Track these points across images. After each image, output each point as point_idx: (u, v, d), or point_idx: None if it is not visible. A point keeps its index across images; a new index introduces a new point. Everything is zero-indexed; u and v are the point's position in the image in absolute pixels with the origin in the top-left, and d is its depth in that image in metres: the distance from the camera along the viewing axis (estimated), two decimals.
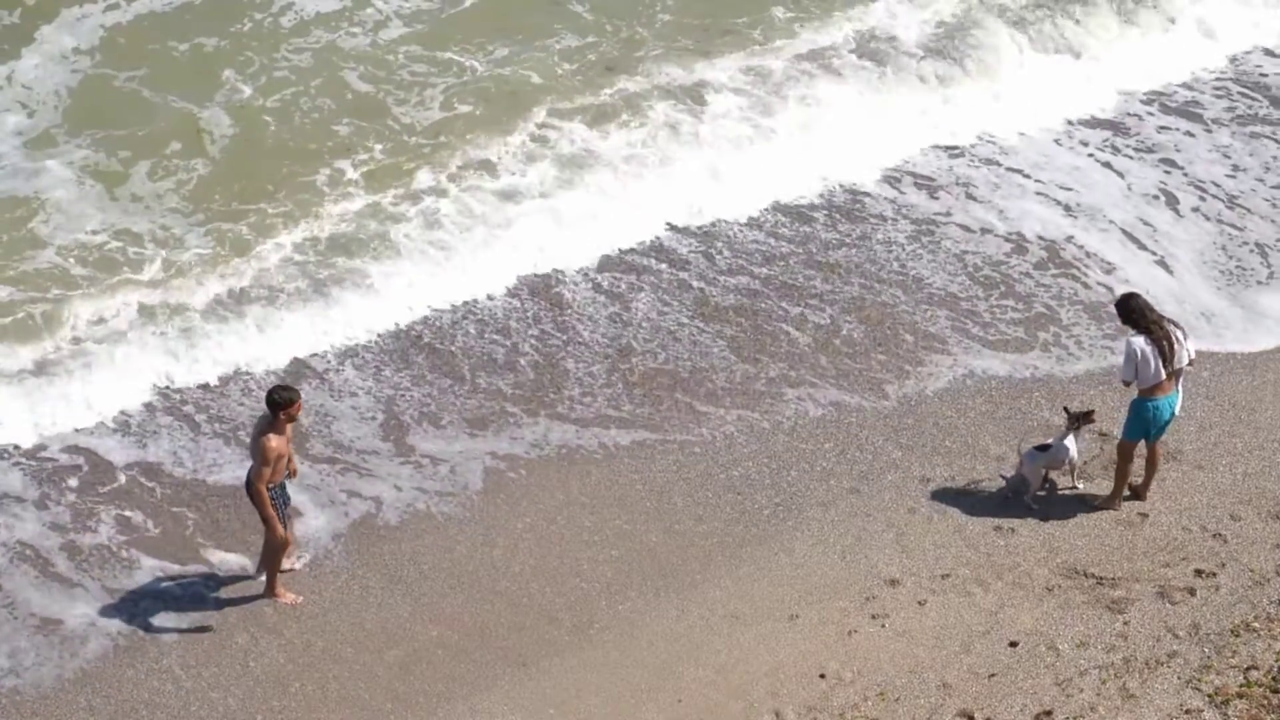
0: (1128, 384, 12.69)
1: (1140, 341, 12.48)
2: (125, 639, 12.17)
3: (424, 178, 16.84)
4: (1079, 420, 13.03)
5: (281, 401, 11.82)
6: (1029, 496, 13.09)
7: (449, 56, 18.66)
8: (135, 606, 12.42)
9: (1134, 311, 12.65)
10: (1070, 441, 12.98)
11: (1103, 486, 13.22)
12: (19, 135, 17.28)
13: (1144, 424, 12.71)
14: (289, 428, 11.99)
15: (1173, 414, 12.76)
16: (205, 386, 14.37)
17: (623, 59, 18.79)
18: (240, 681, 11.85)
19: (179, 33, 18.87)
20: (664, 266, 16.04)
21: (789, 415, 14.23)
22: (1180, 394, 12.77)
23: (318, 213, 16.32)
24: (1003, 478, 13.31)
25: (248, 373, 14.53)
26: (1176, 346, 12.51)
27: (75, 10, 19.03)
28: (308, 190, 16.63)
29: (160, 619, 12.32)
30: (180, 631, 12.22)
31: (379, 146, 17.26)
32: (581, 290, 15.70)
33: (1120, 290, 14.71)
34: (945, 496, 13.26)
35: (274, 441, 11.80)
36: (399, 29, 19.09)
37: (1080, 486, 13.23)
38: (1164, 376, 12.51)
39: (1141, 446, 12.92)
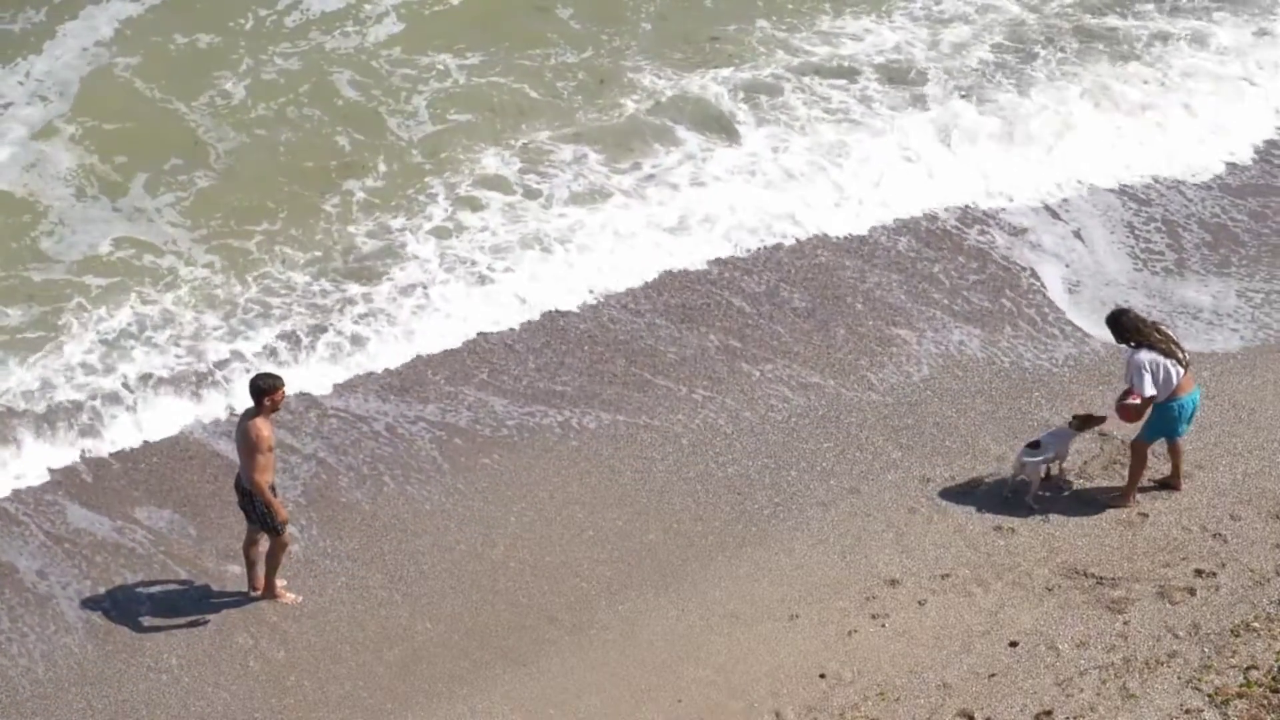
0: (1152, 398, 12.51)
1: (1146, 354, 12.44)
2: (125, 637, 12.17)
3: (422, 196, 16.79)
4: (1086, 423, 13.03)
5: (266, 387, 11.77)
6: (1029, 496, 13.09)
7: (437, 65, 18.63)
8: (136, 606, 12.43)
9: (1127, 328, 12.59)
10: (1065, 434, 13.00)
11: (1104, 486, 13.23)
12: (27, 134, 17.29)
13: (1171, 424, 12.71)
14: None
15: (1195, 408, 12.75)
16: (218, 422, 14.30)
17: (611, 70, 18.78)
18: (240, 681, 11.85)
19: (187, 29, 18.91)
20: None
21: (772, 404, 14.24)
22: (1199, 387, 12.77)
23: (320, 231, 16.26)
24: (1004, 480, 13.36)
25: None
26: (1178, 344, 12.50)
27: (99, 6, 19.09)
28: (309, 208, 16.55)
29: (161, 618, 12.31)
30: (180, 630, 12.22)
31: (376, 161, 17.26)
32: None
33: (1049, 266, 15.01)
34: (945, 496, 13.26)
35: (265, 429, 11.75)
36: (386, 33, 19.10)
37: (1065, 489, 13.23)
38: (1182, 376, 12.50)
39: (1159, 443, 12.94)
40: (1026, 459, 13.03)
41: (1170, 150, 17.94)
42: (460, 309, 15.46)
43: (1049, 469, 13.18)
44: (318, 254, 16.01)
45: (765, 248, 16.34)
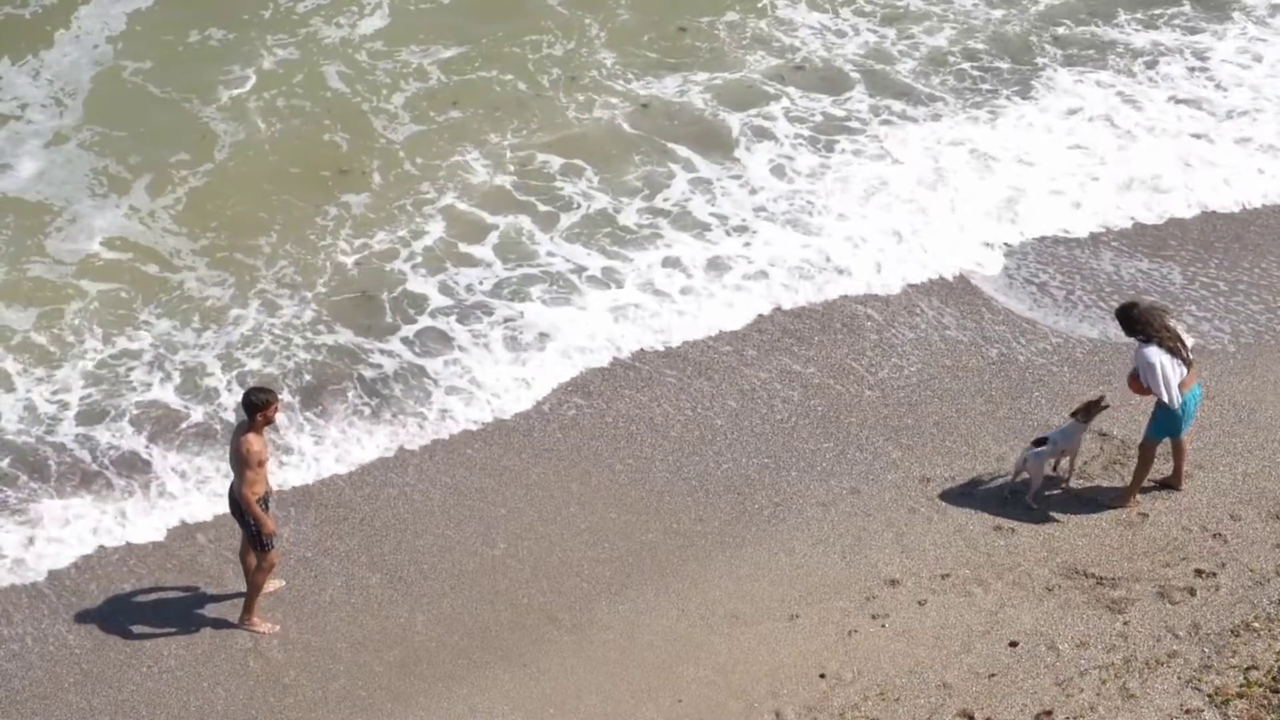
0: (1167, 400, 12.45)
1: (1154, 351, 12.39)
2: (124, 636, 12.17)
3: (416, 214, 16.49)
4: (1089, 411, 12.97)
5: (259, 403, 11.71)
6: (1030, 496, 13.09)
7: (425, 65, 18.55)
8: (136, 605, 12.43)
9: (1137, 322, 12.50)
10: (1073, 429, 12.98)
11: (1104, 486, 13.23)
12: (33, 134, 17.28)
13: (1174, 421, 12.67)
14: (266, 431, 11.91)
15: (1197, 404, 12.73)
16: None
17: (593, 71, 18.65)
18: (240, 681, 11.85)
19: (191, 25, 18.88)
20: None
21: (772, 403, 14.24)
22: (1200, 383, 12.76)
23: (318, 252, 15.95)
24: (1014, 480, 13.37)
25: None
26: (1184, 340, 12.48)
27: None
28: (310, 222, 16.31)
29: (160, 617, 12.32)
30: (180, 630, 12.22)
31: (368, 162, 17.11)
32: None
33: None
34: (945, 496, 13.26)
35: (256, 444, 11.70)
36: (379, 29, 19.02)
37: (1066, 486, 13.22)
38: (1185, 374, 12.49)
39: (1165, 442, 12.93)
40: (1030, 454, 12.99)
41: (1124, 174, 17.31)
42: (487, 377, 14.65)
43: (1055, 466, 13.18)
44: (328, 286, 15.65)
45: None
